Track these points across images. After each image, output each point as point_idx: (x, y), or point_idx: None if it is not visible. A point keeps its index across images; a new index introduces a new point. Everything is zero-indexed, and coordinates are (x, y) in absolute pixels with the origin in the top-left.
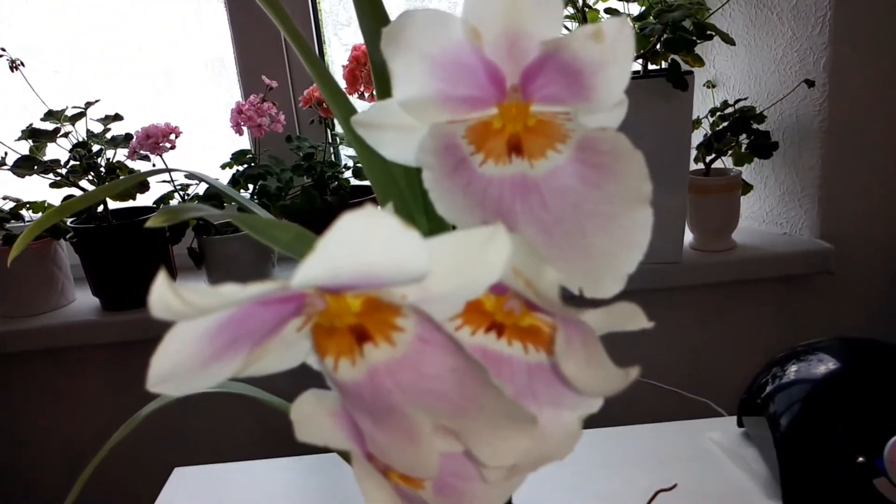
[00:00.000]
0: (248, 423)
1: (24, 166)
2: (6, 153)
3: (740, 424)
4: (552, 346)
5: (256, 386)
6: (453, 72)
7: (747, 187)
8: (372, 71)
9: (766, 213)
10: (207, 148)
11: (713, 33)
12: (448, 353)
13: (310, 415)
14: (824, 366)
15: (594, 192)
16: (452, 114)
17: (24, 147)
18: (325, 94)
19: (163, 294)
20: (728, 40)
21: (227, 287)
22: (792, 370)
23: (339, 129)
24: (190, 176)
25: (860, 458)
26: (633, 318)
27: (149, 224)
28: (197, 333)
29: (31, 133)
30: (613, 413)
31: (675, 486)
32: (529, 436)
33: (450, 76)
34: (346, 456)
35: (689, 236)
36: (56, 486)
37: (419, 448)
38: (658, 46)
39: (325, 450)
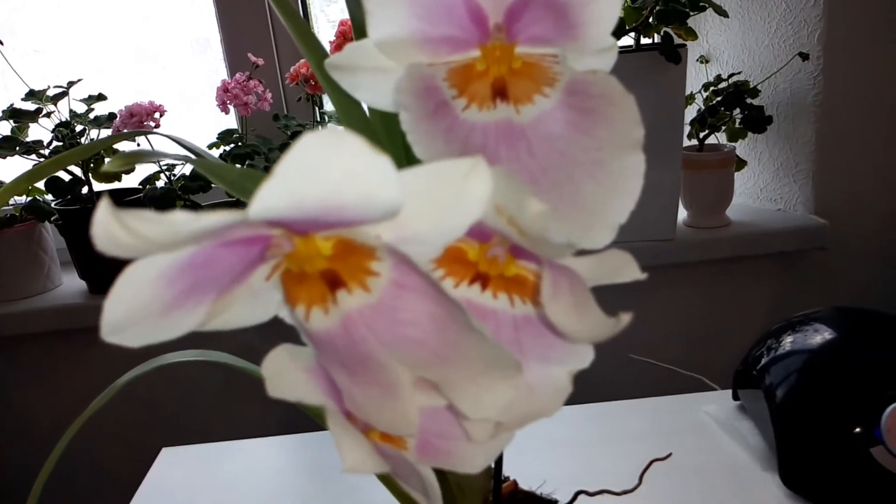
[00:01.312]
0: (232, 401)
1: (6, 147)
2: None
3: (735, 398)
4: (539, 297)
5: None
6: (433, 9)
7: (741, 163)
8: (352, 29)
9: (761, 190)
10: (193, 128)
11: (706, 5)
12: (426, 298)
13: (282, 370)
14: (820, 336)
15: (584, 138)
16: (432, 55)
17: (6, 128)
18: (301, 45)
19: (106, 223)
20: (721, 12)
21: (178, 214)
22: (787, 341)
23: (327, 106)
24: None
25: (857, 429)
26: (625, 268)
27: (104, 168)
28: (153, 276)
29: (12, 113)
30: (606, 389)
31: (669, 455)
32: (514, 384)
33: (429, 14)
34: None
35: (682, 213)
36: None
37: (398, 402)
38: (650, 19)
39: (312, 428)
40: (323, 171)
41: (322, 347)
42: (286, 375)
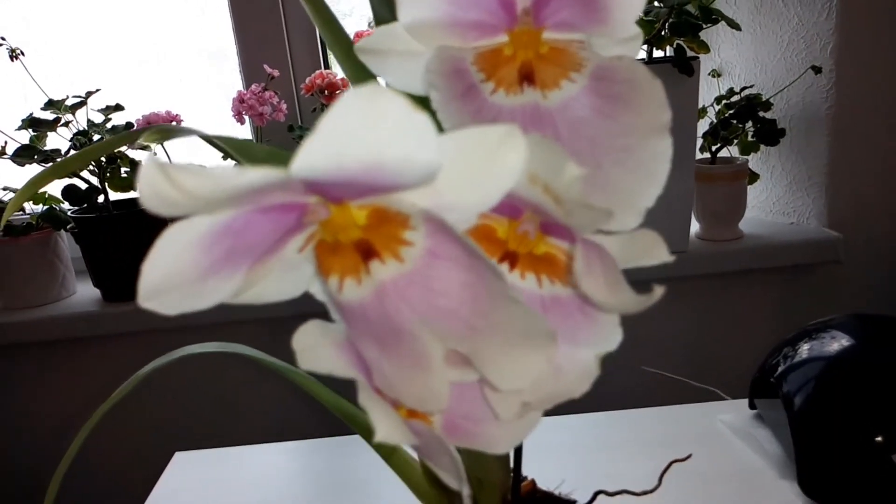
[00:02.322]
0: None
1: (25, 155)
2: (6, 143)
3: (752, 406)
4: (568, 277)
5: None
6: None
7: (754, 176)
8: (375, 22)
9: (773, 203)
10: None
11: (718, 17)
12: (460, 267)
13: (312, 344)
14: (838, 343)
15: (610, 123)
16: (461, 40)
17: (25, 137)
18: (327, 36)
19: (153, 178)
20: (734, 25)
21: (222, 167)
22: (804, 349)
23: None
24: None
25: (879, 437)
26: (654, 250)
27: (142, 139)
28: (191, 239)
29: (31, 122)
30: (618, 401)
31: (689, 456)
32: (547, 355)
33: None
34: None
35: (695, 226)
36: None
37: (428, 376)
38: (663, 32)
39: (327, 433)
40: (364, 130)
41: (354, 320)
42: (316, 349)
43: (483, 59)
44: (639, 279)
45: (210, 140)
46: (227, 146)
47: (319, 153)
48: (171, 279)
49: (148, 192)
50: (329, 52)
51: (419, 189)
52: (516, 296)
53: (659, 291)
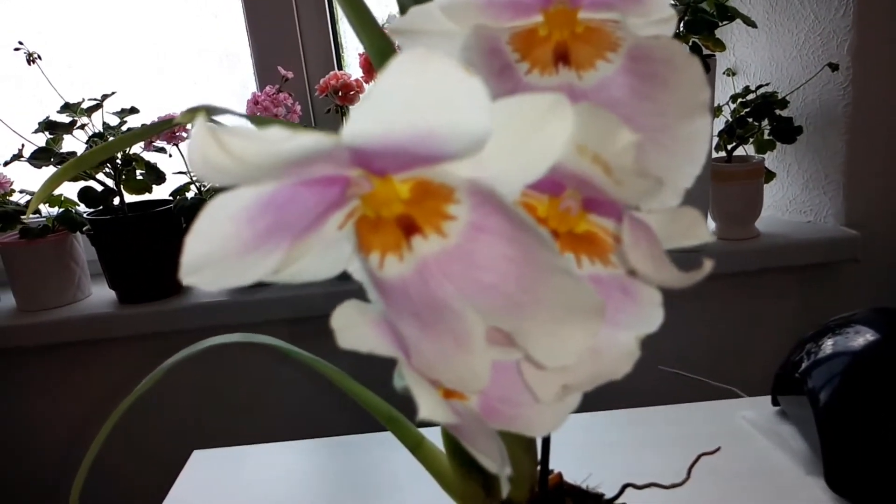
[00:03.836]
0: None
1: (42, 158)
2: (23, 145)
3: (775, 403)
4: (609, 256)
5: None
6: None
7: (770, 175)
8: (398, 6)
9: (790, 202)
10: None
11: (734, 15)
12: (504, 241)
13: (351, 323)
14: (862, 337)
15: (647, 103)
16: (496, 19)
17: (41, 140)
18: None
19: (203, 142)
20: (749, 22)
21: (274, 130)
22: (828, 344)
23: None
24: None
25: None
26: (695, 229)
27: (177, 120)
28: (235, 211)
29: (47, 125)
30: (636, 400)
31: (718, 448)
32: (594, 330)
33: None
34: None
35: (711, 225)
36: (73, 476)
37: (470, 355)
38: (679, 29)
39: (347, 430)
40: (417, 94)
41: (394, 298)
42: (355, 328)
43: (518, 39)
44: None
45: (243, 116)
46: (256, 124)
47: (371, 119)
48: (213, 253)
49: (197, 157)
50: (356, 48)
51: (465, 160)
52: (567, 266)
53: (708, 266)
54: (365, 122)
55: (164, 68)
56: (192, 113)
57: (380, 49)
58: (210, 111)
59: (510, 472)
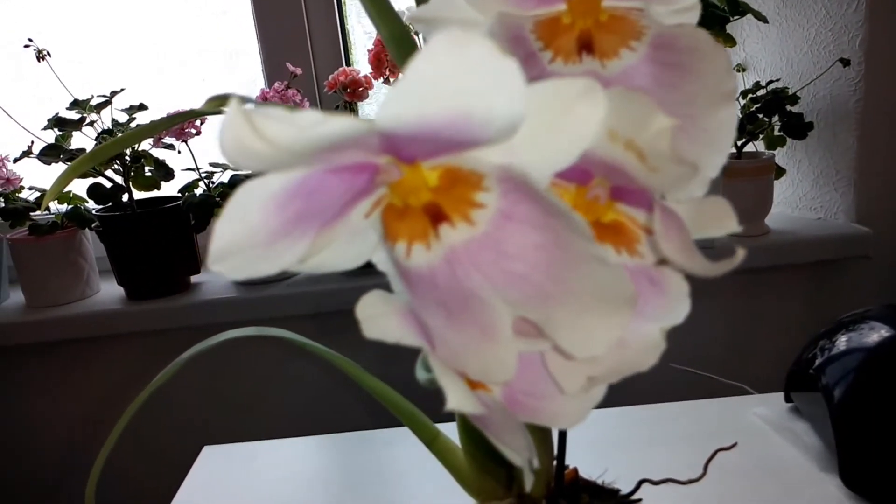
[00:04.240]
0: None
1: (51, 154)
2: (33, 142)
3: (788, 399)
4: (637, 246)
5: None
6: None
7: (780, 171)
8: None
9: (800, 198)
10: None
11: (746, 10)
12: (534, 229)
13: (376, 313)
14: (877, 333)
15: (672, 92)
16: (520, 7)
17: (51, 136)
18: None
19: (237, 126)
20: (760, 17)
21: (308, 113)
22: (842, 340)
23: (363, 114)
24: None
25: None
26: (724, 219)
27: (203, 108)
28: (264, 198)
29: (56, 122)
30: (645, 397)
31: (735, 444)
32: (624, 320)
33: None
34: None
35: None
36: (81, 473)
37: (496, 345)
38: None
39: (354, 427)
40: (453, 77)
41: (421, 287)
42: (381, 318)
43: (541, 27)
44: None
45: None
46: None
47: (406, 103)
48: (242, 240)
49: (231, 141)
50: (365, 44)
51: (496, 146)
52: (600, 253)
53: (740, 255)
54: (400, 106)
55: (172, 65)
56: (217, 101)
57: (398, 39)
58: (233, 97)
59: (537, 463)
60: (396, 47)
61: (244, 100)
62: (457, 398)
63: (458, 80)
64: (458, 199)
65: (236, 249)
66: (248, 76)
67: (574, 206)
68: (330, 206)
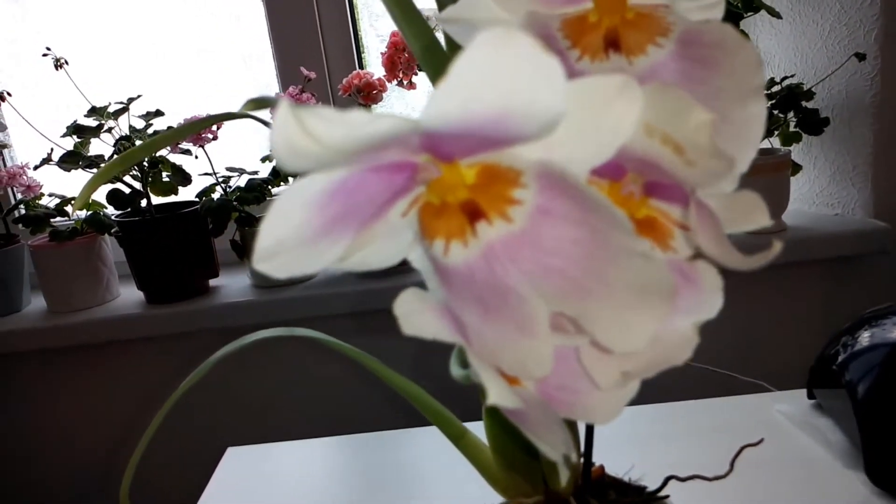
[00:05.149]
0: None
1: (70, 161)
2: (52, 149)
3: (811, 396)
4: (670, 241)
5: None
6: None
7: (796, 167)
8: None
9: (817, 194)
10: (247, 141)
11: (759, 6)
12: (572, 224)
13: (413, 309)
14: None
15: (700, 88)
16: (547, 6)
17: (69, 143)
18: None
19: (287, 126)
20: (774, 13)
21: (356, 113)
22: (865, 336)
23: None
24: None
25: None
26: (755, 213)
27: (240, 111)
28: (307, 198)
29: (75, 129)
30: (663, 395)
31: (761, 440)
32: (664, 313)
33: None
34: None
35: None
36: (104, 477)
37: (533, 340)
38: None
39: (378, 427)
40: (497, 74)
41: (458, 283)
42: (418, 315)
43: (568, 25)
44: None
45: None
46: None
47: (451, 101)
48: (287, 240)
49: (281, 141)
50: (377, 47)
51: (534, 143)
52: (639, 246)
53: (777, 247)
54: (445, 105)
55: (186, 71)
56: (255, 102)
57: (424, 42)
58: (265, 103)
59: (575, 458)
60: (424, 52)
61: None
62: (498, 393)
63: (501, 78)
64: (496, 196)
65: (281, 249)
66: (263, 80)
67: None
68: (369, 204)
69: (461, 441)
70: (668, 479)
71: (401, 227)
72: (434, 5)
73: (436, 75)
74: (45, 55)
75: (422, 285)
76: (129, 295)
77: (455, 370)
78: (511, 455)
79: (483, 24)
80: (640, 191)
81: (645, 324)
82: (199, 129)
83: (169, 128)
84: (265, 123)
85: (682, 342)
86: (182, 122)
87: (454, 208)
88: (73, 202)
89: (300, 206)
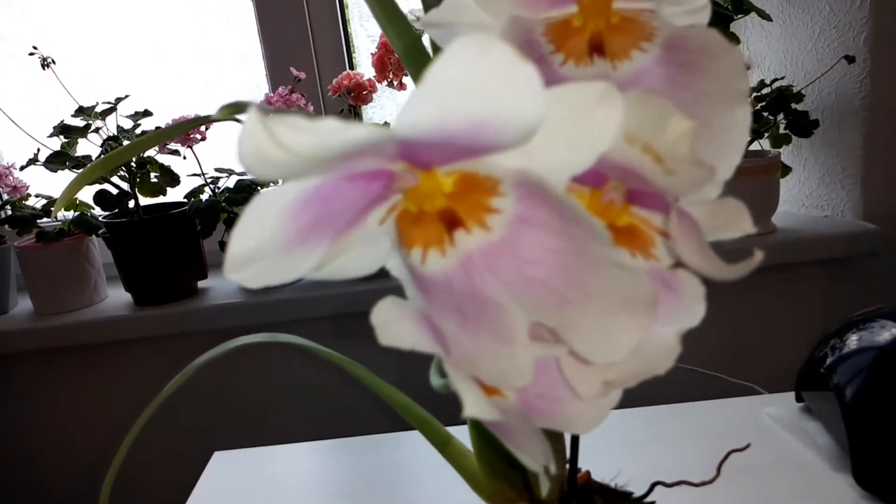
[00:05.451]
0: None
1: (57, 161)
2: (39, 149)
3: (799, 399)
4: (651, 249)
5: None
6: None
7: (786, 170)
8: (422, 3)
9: (806, 196)
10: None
11: (749, 8)
12: (551, 234)
13: (391, 319)
14: (888, 332)
15: (684, 93)
16: (531, 10)
17: (56, 144)
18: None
19: (256, 135)
20: (764, 16)
21: (328, 122)
22: (853, 339)
23: (366, 117)
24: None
25: None
26: (738, 221)
27: (214, 116)
28: (280, 206)
29: (62, 129)
30: (651, 398)
31: (748, 445)
32: (644, 323)
33: None
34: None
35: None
36: (90, 479)
37: (512, 349)
38: None
39: (365, 431)
40: (473, 82)
41: (436, 293)
42: (396, 324)
43: (552, 30)
44: None
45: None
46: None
47: (424, 110)
48: (258, 249)
49: (250, 152)
50: (368, 48)
51: (513, 151)
52: (619, 257)
53: (758, 256)
54: (418, 113)
55: (176, 70)
56: (231, 108)
57: (407, 42)
58: (243, 108)
59: (554, 469)
60: (408, 55)
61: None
62: (474, 404)
63: (476, 86)
64: (474, 204)
65: (254, 258)
66: (253, 80)
67: (589, 210)
68: (345, 213)
69: (446, 448)
70: (654, 484)
71: (378, 235)
72: (420, 5)
73: (419, 76)
74: (31, 54)
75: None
76: (116, 296)
77: (435, 379)
78: (495, 462)
79: (466, 29)
80: (621, 198)
81: (625, 335)
82: (182, 132)
83: (157, 128)
84: None
85: (664, 351)
86: (170, 122)
87: (432, 217)
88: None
89: (273, 215)
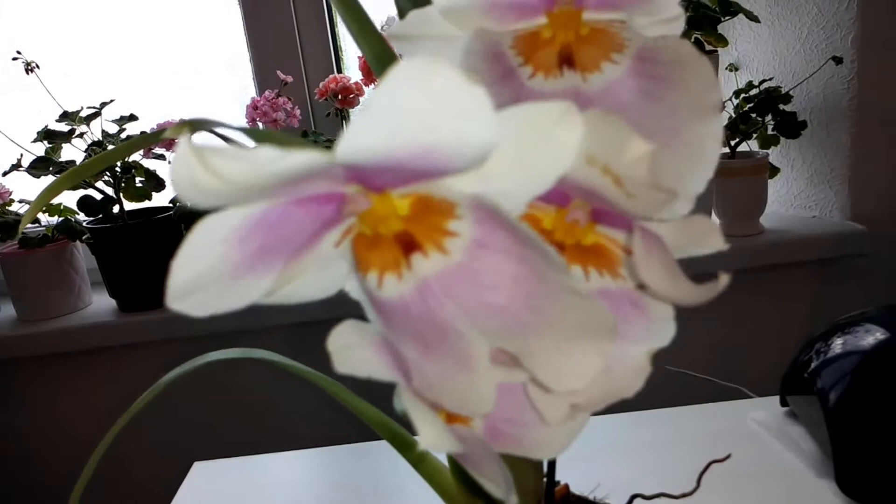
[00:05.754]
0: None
1: (40, 167)
2: (22, 155)
3: (783, 403)
4: (618, 268)
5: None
6: None
7: (774, 170)
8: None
9: (794, 197)
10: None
11: (737, 10)
12: (510, 259)
13: (348, 344)
14: (872, 336)
15: (656, 105)
16: (498, 22)
17: (40, 149)
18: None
19: (188, 163)
20: (752, 17)
21: (264, 150)
22: (837, 343)
23: None
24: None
25: None
26: (709, 236)
27: (167, 134)
28: (224, 233)
29: (46, 134)
30: (640, 401)
31: (728, 456)
32: (605, 350)
33: None
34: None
35: (715, 222)
36: (72, 487)
37: (473, 376)
38: None
39: (345, 440)
40: (419, 106)
41: (394, 318)
42: (353, 350)
43: (521, 42)
44: None
45: (241, 130)
46: (256, 140)
47: (369, 134)
48: (202, 277)
49: (183, 179)
50: (356, 51)
51: (468, 174)
52: (576, 285)
53: (724, 280)
54: (362, 138)
55: (163, 74)
56: (181, 127)
57: (378, 55)
58: (200, 125)
59: (516, 500)
60: (379, 65)
61: (211, 124)
62: (431, 437)
63: (422, 111)
64: (431, 227)
65: (197, 287)
66: (242, 83)
67: (554, 229)
68: (296, 237)
69: (421, 465)
70: (633, 497)
71: (335, 257)
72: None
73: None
74: (15, 59)
75: None
76: (101, 303)
77: (398, 403)
78: (471, 478)
79: (432, 44)
80: (586, 217)
81: (585, 362)
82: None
83: (142, 132)
84: (224, 138)
85: (634, 372)
86: (154, 127)
87: (388, 240)
88: (45, 211)
89: (216, 241)
